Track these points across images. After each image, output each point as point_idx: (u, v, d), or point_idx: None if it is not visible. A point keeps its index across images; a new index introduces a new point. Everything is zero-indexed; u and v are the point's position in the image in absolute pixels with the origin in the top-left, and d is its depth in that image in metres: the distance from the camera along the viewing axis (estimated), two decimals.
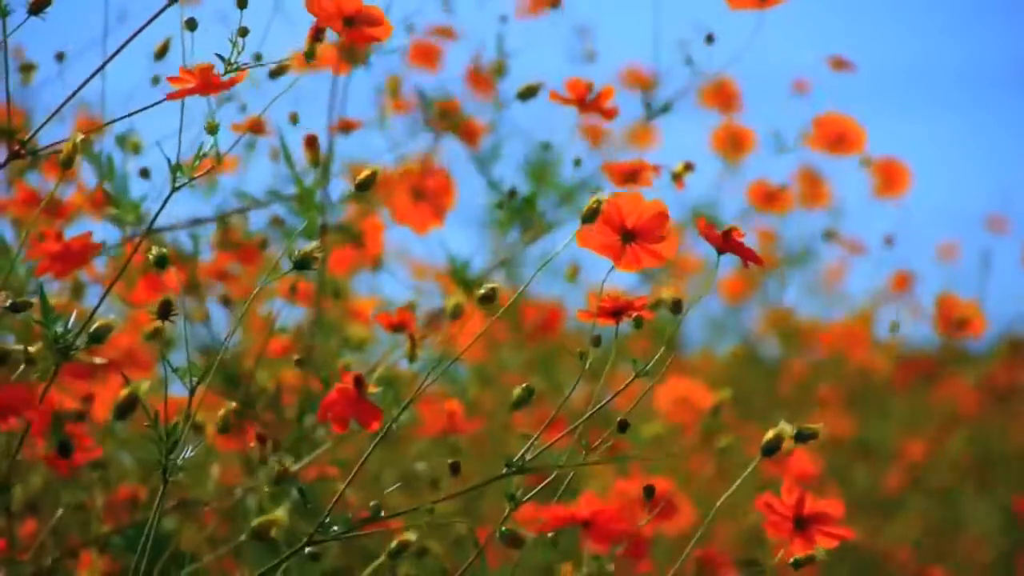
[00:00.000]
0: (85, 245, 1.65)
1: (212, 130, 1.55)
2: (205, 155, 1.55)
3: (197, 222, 2.09)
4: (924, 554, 3.46)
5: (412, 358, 1.70)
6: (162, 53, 1.82)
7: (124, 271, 1.64)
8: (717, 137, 2.74)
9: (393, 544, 1.58)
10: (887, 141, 3.11)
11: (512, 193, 2.10)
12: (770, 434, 1.57)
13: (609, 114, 1.88)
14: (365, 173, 1.60)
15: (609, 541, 1.59)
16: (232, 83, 1.55)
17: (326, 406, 1.60)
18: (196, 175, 1.56)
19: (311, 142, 1.87)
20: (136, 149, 1.99)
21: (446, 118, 2.25)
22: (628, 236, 1.56)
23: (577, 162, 2.07)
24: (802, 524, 1.56)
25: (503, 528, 1.57)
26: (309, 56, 1.62)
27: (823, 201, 3.19)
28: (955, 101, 5.06)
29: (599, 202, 1.55)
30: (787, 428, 1.56)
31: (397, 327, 1.84)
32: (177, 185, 1.56)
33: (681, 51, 2.12)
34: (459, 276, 2.05)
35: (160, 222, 1.95)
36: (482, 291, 1.59)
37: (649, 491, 1.62)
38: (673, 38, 2.15)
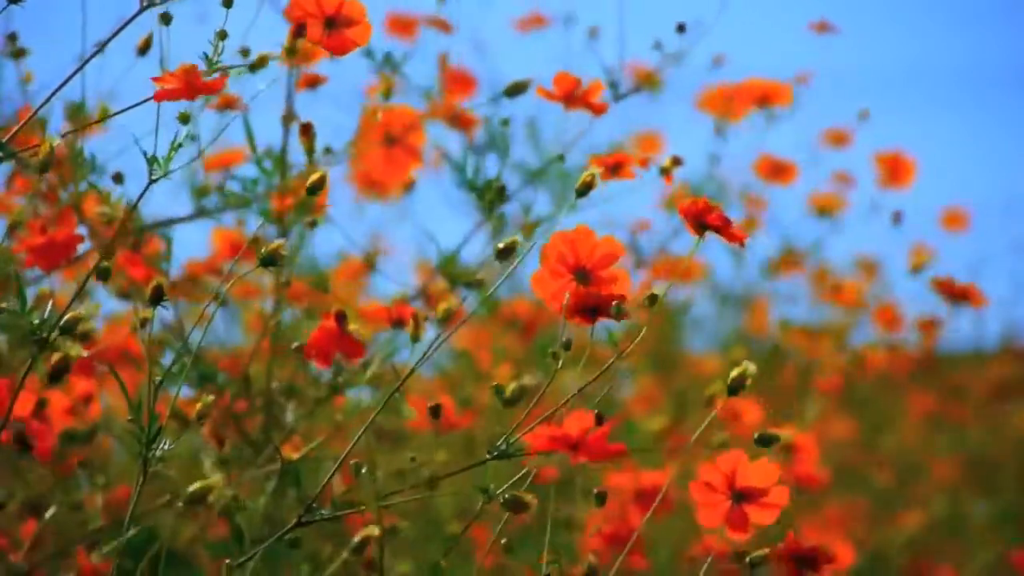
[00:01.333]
0: (70, 237, 1.65)
1: (184, 119, 1.55)
2: (180, 145, 1.55)
3: (171, 222, 2.08)
4: (927, 553, 3.46)
5: (416, 339, 1.68)
6: (145, 48, 1.81)
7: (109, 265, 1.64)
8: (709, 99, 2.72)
9: (356, 539, 1.57)
10: (887, 141, 3.11)
11: (502, 188, 2.09)
12: (735, 371, 1.52)
13: (598, 109, 1.88)
14: (315, 177, 1.58)
15: (601, 460, 1.55)
16: (215, 86, 1.54)
17: (311, 345, 1.60)
18: (174, 168, 1.56)
19: (306, 130, 1.86)
20: (105, 112, 1.97)
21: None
22: (582, 276, 1.52)
23: (560, 157, 2.07)
24: (738, 499, 1.49)
25: (506, 494, 1.55)
26: (290, 52, 1.62)
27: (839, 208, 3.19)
28: (955, 101, 5.06)
29: (593, 176, 1.54)
30: (750, 366, 1.52)
31: (396, 321, 1.84)
32: (154, 178, 1.56)
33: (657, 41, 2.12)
34: (447, 269, 2.04)
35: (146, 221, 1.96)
36: (502, 246, 1.55)
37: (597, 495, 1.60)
38: (650, 26, 2.14)
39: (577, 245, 1.52)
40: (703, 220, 1.53)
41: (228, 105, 1.96)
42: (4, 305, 1.57)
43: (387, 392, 1.89)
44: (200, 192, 2.08)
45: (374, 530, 1.56)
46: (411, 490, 1.69)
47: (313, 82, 2.12)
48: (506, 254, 1.55)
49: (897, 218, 2.75)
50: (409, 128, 2.03)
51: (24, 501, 1.98)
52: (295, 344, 1.86)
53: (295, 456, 1.87)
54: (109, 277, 1.55)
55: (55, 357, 1.54)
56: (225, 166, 2.17)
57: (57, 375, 1.54)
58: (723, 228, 1.53)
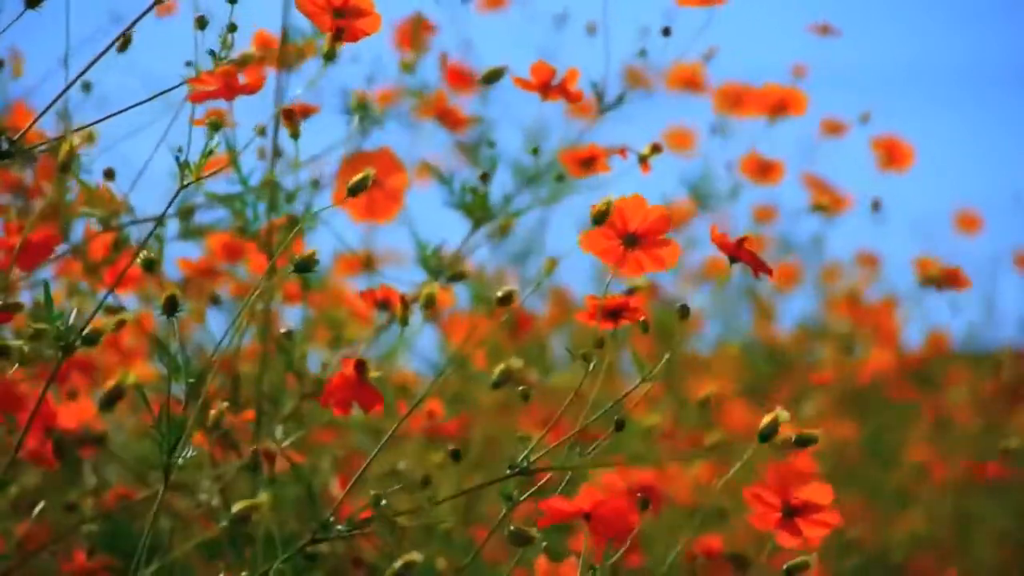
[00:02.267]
0: (46, 238, 1.65)
1: (215, 126, 1.57)
2: (211, 152, 1.56)
3: (159, 219, 2.08)
4: (935, 554, 3.45)
5: (404, 322, 1.69)
6: (124, 46, 1.81)
7: (123, 273, 1.65)
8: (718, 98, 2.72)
9: (398, 564, 1.59)
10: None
11: (484, 176, 2.09)
12: (767, 419, 1.56)
13: (574, 98, 1.88)
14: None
15: (612, 534, 1.58)
16: (254, 86, 1.55)
17: (329, 392, 1.62)
18: (206, 174, 1.57)
19: (290, 115, 1.86)
20: (91, 139, 1.97)
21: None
22: (631, 240, 1.56)
23: (535, 150, 2.07)
24: (789, 513, 1.54)
25: (511, 527, 1.57)
26: (329, 58, 1.63)
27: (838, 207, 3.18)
28: (955, 101, 5.05)
29: (609, 204, 1.56)
30: (784, 414, 1.56)
31: (382, 303, 1.84)
32: (185, 183, 1.57)
33: (638, 43, 2.12)
34: (427, 263, 2.04)
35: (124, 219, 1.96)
36: (500, 295, 1.61)
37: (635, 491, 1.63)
38: (631, 31, 2.14)
39: (627, 211, 1.56)
40: (735, 254, 1.57)
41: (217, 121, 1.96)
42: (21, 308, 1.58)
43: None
44: (186, 212, 2.08)
45: (416, 556, 1.58)
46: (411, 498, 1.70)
47: (305, 112, 2.11)
48: (505, 302, 1.61)
49: (876, 207, 2.73)
50: (390, 171, 2.03)
51: (16, 499, 1.98)
52: (284, 329, 1.86)
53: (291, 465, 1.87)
54: (155, 268, 1.56)
55: (109, 384, 1.54)
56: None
57: (110, 402, 1.54)
58: (753, 260, 1.57)
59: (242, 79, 1.55)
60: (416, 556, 1.59)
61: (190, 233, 2.09)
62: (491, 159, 2.11)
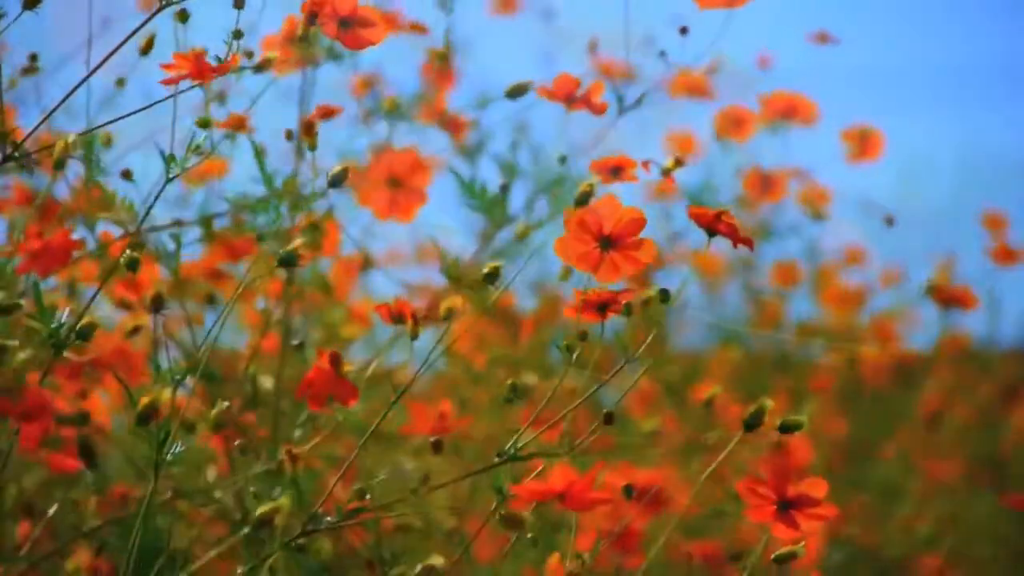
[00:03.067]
0: (65, 243, 1.66)
1: (204, 124, 1.58)
2: (198, 146, 1.57)
3: (179, 223, 2.09)
4: (929, 551, 3.46)
5: (414, 336, 1.70)
6: (148, 48, 1.82)
7: (114, 271, 1.66)
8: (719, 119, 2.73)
9: (418, 569, 1.60)
10: (889, 141, 3.10)
11: (504, 187, 2.10)
12: (752, 408, 1.58)
13: (599, 109, 1.89)
14: (337, 169, 1.60)
15: (585, 509, 1.58)
16: (225, 69, 1.57)
17: (305, 385, 1.63)
18: (189, 166, 1.58)
19: (309, 128, 1.87)
20: (108, 142, 1.98)
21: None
22: (606, 243, 1.56)
23: (562, 159, 2.08)
24: (785, 507, 1.55)
25: (502, 511, 1.58)
26: (304, 40, 1.64)
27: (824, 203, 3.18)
28: (955, 101, 5.06)
29: (592, 186, 1.56)
30: (768, 403, 1.57)
31: (396, 317, 1.85)
32: (171, 176, 1.58)
33: (654, 44, 2.12)
34: (449, 269, 2.05)
35: (145, 223, 1.97)
36: (486, 271, 1.61)
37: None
38: (645, 32, 2.14)
39: (601, 213, 1.55)
40: (713, 227, 1.57)
41: (238, 126, 1.97)
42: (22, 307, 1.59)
43: (384, 399, 1.90)
44: (206, 222, 2.09)
45: (439, 559, 1.59)
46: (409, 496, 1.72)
47: (327, 114, 2.12)
48: (491, 279, 1.61)
49: (890, 221, 2.74)
50: (414, 170, 2.03)
51: (17, 500, 1.99)
52: (296, 341, 1.88)
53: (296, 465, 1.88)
54: (137, 267, 1.57)
55: (144, 402, 1.54)
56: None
57: (145, 419, 1.55)
58: (732, 234, 1.57)
59: (212, 62, 1.56)
60: (439, 560, 1.59)
61: (211, 237, 2.10)
62: (511, 168, 2.12)
